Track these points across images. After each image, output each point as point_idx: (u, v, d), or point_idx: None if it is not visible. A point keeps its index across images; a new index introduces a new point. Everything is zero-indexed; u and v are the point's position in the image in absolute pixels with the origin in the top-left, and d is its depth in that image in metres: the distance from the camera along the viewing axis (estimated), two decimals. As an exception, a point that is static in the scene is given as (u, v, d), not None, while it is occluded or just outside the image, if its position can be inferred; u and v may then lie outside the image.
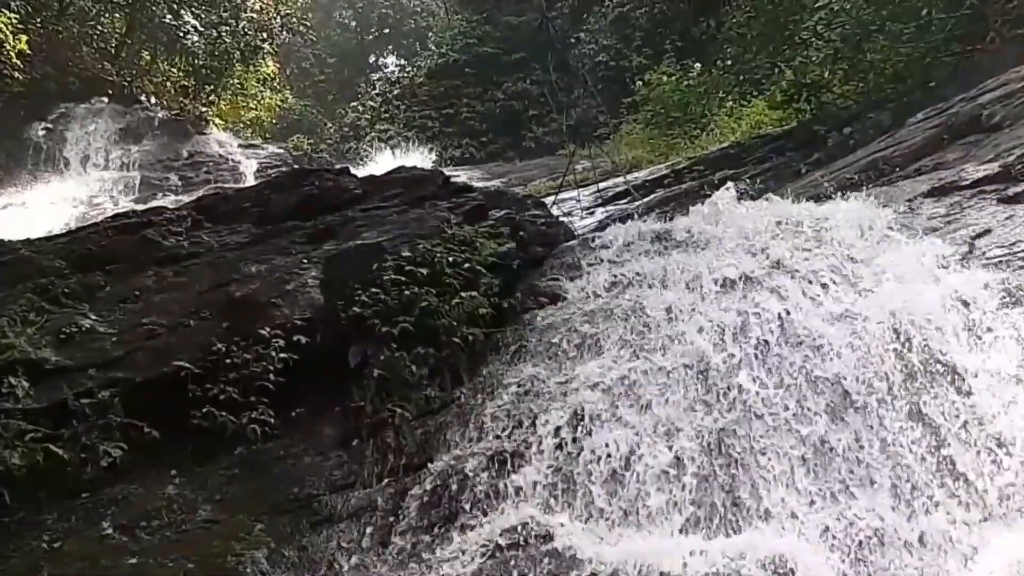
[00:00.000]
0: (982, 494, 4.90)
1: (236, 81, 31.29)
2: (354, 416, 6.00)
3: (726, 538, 4.82)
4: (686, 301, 6.24)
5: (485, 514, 5.12)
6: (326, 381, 6.16)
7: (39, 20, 25.36)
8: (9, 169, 23.65)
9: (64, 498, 5.42)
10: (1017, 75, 9.59)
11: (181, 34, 28.93)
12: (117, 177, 24.78)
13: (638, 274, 6.78)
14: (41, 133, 25.14)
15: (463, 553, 4.89)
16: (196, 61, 29.43)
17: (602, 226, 9.23)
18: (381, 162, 25.62)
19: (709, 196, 8.18)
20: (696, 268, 6.55)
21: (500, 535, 4.89)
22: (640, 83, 24.13)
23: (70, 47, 26.53)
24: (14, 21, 22.79)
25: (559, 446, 5.37)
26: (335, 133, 35.75)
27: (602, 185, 14.77)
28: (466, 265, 6.80)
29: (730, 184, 8.48)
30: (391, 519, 5.26)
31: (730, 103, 20.47)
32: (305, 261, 7.02)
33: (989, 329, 5.62)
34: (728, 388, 5.50)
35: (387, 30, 47.81)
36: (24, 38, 22.95)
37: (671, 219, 7.79)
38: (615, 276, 6.88)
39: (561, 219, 9.35)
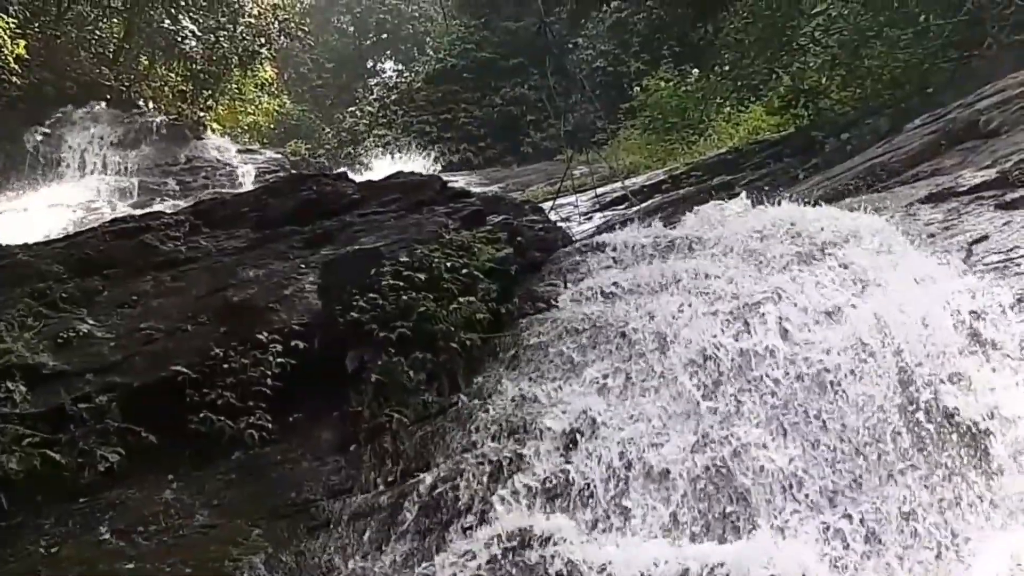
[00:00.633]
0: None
1: (234, 86, 31.28)
2: (352, 421, 5.99)
3: (725, 544, 4.82)
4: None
5: (483, 519, 5.11)
6: (324, 386, 6.16)
7: (37, 25, 25.34)
8: (7, 174, 23.63)
9: (62, 503, 5.41)
10: (1015, 81, 9.62)
11: (179, 39, 28.87)
12: (115, 182, 24.75)
13: (635, 280, 6.77)
14: (39, 138, 25.12)
15: (460, 558, 4.88)
16: (194, 66, 29.38)
17: (600, 231, 9.23)
18: (379, 167, 25.64)
19: (707, 201, 8.18)
20: (696, 273, 6.54)
21: (498, 540, 4.89)
22: (638, 88, 24.15)
23: (68, 52, 26.51)
24: (12, 26, 22.77)
25: (557, 451, 5.37)
26: (333, 138, 35.73)
27: (600, 190, 14.78)
28: (464, 270, 6.79)
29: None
30: (389, 524, 5.24)
31: (728, 109, 20.52)
32: (303, 266, 7.02)
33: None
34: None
35: (385, 35, 47.84)
36: (22, 43, 22.93)
37: (671, 225, 7.79)
38: (613, 282, 6.86)
39: (559, 224, 9.34)
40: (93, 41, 27.98)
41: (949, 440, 5.15)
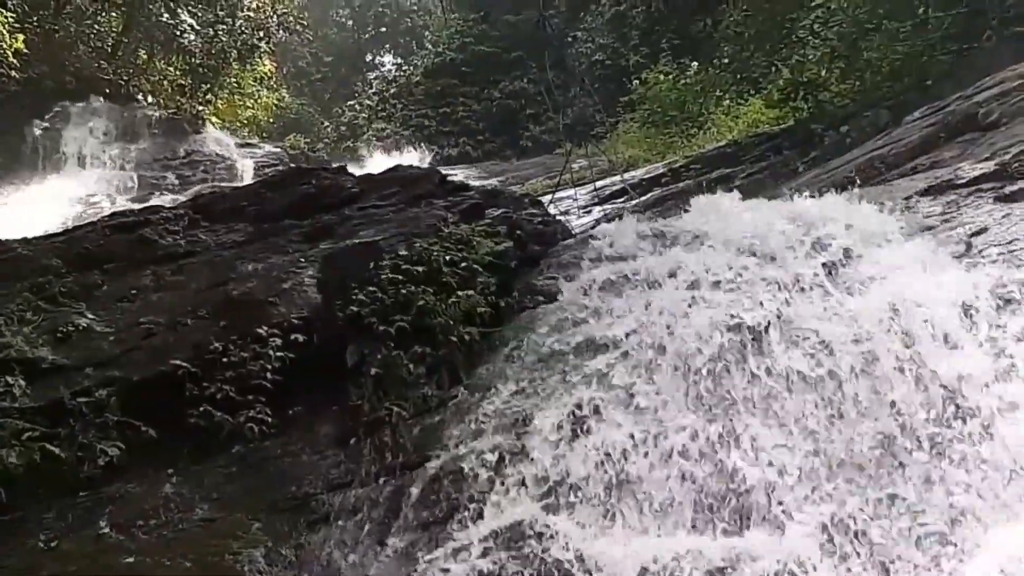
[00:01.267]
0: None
1: (233, 80, 31.27)
2: (351, 415, 5.99)
3: (727, 538, 4.82)
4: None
5: (482, 513, 5.11)
6: (323, 380, 6.16)
7: (36, 19, 25.32)
8: (6, 167, 23.66)
9: (61, 497, 5.42)
10: (1014, 73, 9.59)
11: (178, 33, 28.86)
12: (114, 176, 24.78)
13: (635, 272, 6.77)
14: (38, 132, 25.15)
15: (460, 551, 4.89)
16: (193, 60, 29.37)
17: (599, 224, 9.22)
18: (378, 161, 25.66)
19: (707, 194, 8.17)
20: (694, 266, 6.54)
21: (497, 534, 4.89)
22: (637, 82, 24.10)
23: (67, 46, 26.52)
24: (11, 20, 22.77)
25: (557, 444, 5.37)
26: (332, 132, 35.76)
27: (599, 184, 14.78)
28: (463, 264, 6.79)
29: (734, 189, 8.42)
30: (388, 517, 5.26)
31: (727, 102, 20.47)
32: (302, 260, 7.01)
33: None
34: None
35: (384, 29, 47.84)
36: (21, 37, 22.93)
37: (670, 217, 7.78)
38: (612, 275, 6.86)
39: (558, 218, 9.33)
40: (92, 35, 27.96)
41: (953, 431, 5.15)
